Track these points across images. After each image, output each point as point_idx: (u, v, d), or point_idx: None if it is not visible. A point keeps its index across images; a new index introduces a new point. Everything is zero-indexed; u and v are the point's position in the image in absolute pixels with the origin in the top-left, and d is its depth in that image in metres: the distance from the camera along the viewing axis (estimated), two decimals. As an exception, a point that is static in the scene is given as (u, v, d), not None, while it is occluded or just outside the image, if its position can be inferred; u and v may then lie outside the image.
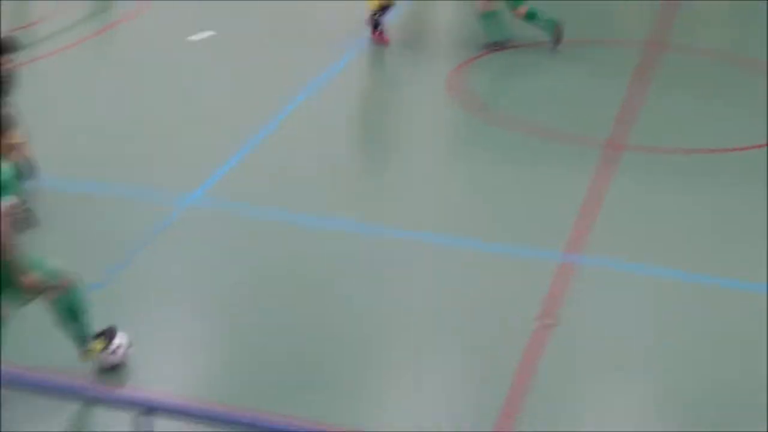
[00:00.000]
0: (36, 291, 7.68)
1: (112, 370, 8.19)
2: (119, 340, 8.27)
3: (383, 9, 15.93)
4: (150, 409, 4.53)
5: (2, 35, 9.42)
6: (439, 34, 17.39)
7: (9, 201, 7.27)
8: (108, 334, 8.19)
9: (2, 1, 16.06)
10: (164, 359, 8.59)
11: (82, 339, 8.12)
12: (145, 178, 11.61)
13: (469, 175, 12.09)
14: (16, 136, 8.97)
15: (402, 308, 9.34)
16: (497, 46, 15.74)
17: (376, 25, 16.02)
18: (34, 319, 8.12)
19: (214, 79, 14.52)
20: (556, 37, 15.75)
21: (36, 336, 8.37)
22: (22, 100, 10.50)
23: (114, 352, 8.20)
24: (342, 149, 12.79)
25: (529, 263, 10.03)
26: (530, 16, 15.60)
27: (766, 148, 12.58)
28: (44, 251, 9.74)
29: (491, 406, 7.98)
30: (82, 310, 8.02)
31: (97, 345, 8.15)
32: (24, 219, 8.49)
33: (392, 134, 13.50)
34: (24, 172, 7.59)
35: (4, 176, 7.27)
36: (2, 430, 7.41)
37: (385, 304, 9.41)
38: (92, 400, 4.80)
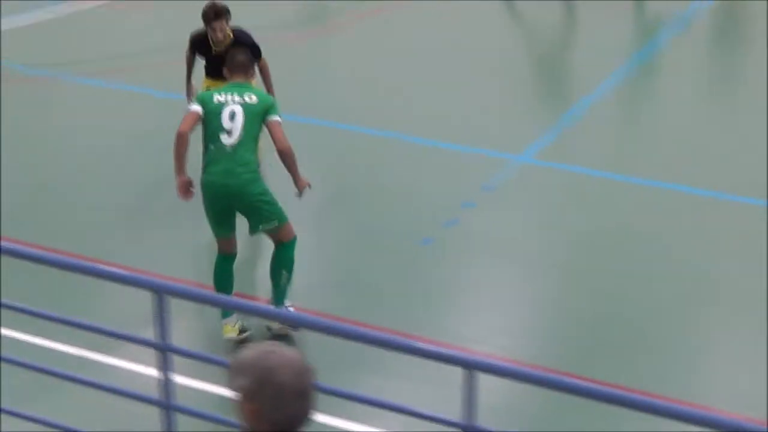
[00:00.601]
0: (278, 229, 8.08)
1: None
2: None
3: None
4: (470, 366, 4.60)
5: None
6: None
7: (278, 118, 7.99)
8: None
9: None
10: (487, 319, 8.71)
11: (280, 297, 8.27)
12: (480, 138, 11.77)
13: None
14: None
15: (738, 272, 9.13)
16: None
17: None
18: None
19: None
20: None
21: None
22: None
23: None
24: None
25: None
26: None
27: None
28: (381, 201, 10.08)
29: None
30: (291, 268, 8.22)
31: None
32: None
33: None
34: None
35: (270, 98, 8.16)
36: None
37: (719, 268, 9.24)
38: (419, 353, 4.90)
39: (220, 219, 8.07)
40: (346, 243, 9.80)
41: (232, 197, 7.93)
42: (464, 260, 9.47)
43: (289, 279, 8.23)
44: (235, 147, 7.88)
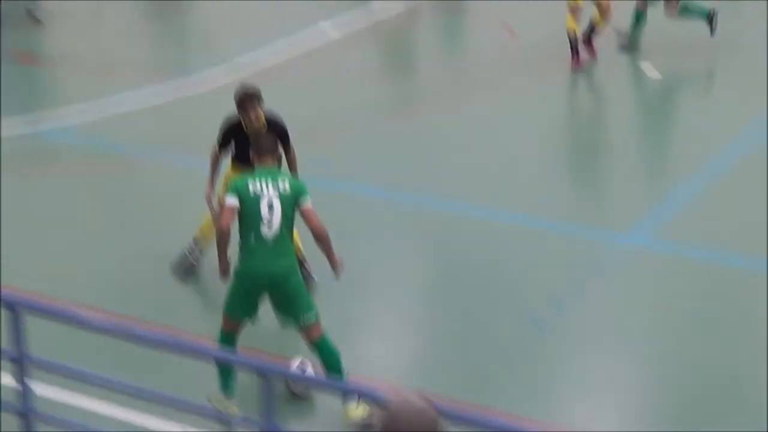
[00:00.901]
0: (315, 325, 8.17)
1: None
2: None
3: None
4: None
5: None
6: None
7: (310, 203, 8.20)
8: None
9: None
10: (597, 403, 8.55)
11: (343, 392, 8.27)
12: (587, 216, 11.68)
13: None
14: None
15: None
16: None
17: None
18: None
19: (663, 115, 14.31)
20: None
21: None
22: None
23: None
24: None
25: None
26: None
27: None
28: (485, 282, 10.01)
29: None
30: (337, 358, 8.21)
31: (359, 410, 8.25)
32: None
33: None
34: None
35: (301, 184, 8.34)
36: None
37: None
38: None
39: (249, 306, 8.23)
40: (452, 323, 9.74)
41: (273, 288, 8.11)
42: (572, 343, 9.36)
43: (342, 371, 8.18)
44: (276, 237, 8.07)
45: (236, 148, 9.92)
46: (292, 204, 8.14)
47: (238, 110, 9.66)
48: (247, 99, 9.59)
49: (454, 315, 9.86)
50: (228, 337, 8.30)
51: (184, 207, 11.55)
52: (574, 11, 15.81)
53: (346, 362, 8.21)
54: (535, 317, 9.59)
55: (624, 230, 11.19)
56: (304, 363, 8.48)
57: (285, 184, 8.18)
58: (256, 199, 8.09)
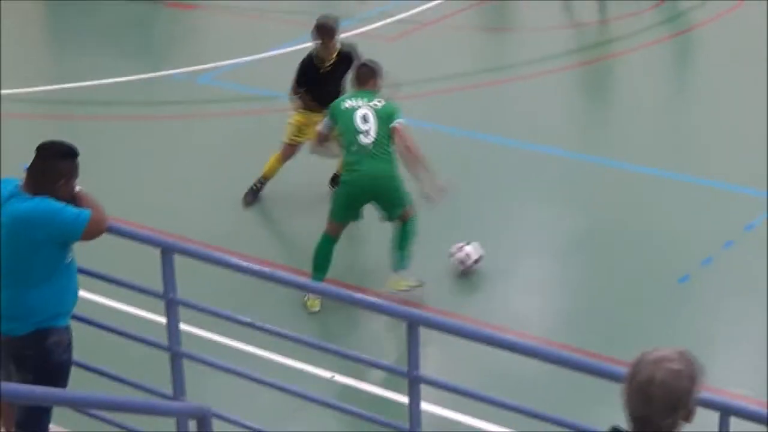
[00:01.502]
0: (405, 211, 9.03)
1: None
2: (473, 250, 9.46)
3: None
4: (727, 411, 4.45)
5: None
6: None
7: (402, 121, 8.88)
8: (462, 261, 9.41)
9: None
10: (741, 361, 8.40)
11: (399, 264, 9.13)
12: (741, 176, 11.41)
13: None
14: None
15: None
16: None
17: None
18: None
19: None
20: None
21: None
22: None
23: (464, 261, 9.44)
24: None
25: None
26: None
27: None
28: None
29: None
30: (412, 239, 9.11)
31: (401, 282, 9.11)
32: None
33: None
34: None
35: (392, 104, 8.99)
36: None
37: None
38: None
39: (354, 209, 9.04)
40: (599, 278, 9.65)
41: (378, 192, 8.88)
42: (722, 300, 9.18)
43: (409, 250, 9.10)
44: (375, 144, 8.75)
45: (313, 86, 10.36)
46: (385, 120, 8.81)
47: (320, 40, 10.16)
48: (330, 30, 10.12)
49: (604, 268, 9.77)
50: (332, 240, 9.02)
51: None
52: None
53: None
54: (686, 275, 9.44)
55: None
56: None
57: (378, 102, 8.91)
58: (351, 111, 8.83)
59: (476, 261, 9.45)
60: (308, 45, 10.57)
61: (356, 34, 14.97)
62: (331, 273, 9.04)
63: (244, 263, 6.47)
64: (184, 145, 12.39)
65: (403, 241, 9.10)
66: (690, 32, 16.06)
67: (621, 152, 11.92)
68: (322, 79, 10.28)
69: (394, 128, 8.80)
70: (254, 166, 10.86)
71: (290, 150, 10.68)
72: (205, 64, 14.43)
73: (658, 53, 15.10)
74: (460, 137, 12.03)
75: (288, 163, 10.66)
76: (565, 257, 10.00)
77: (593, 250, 10.09)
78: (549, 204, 10.76)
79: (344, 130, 8.86)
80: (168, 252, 6.27)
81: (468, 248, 9.46)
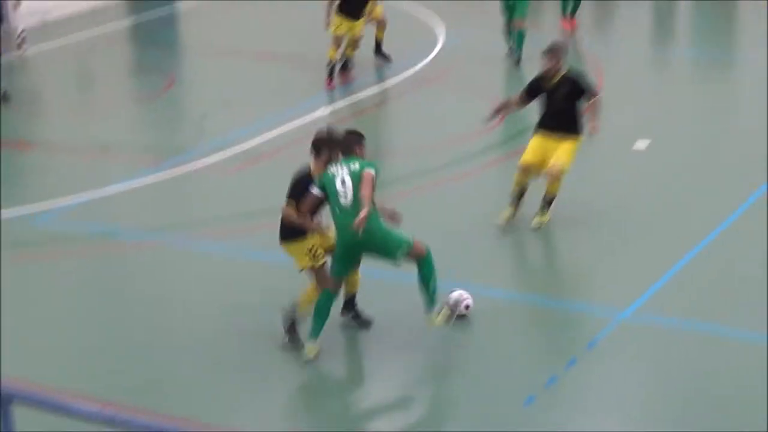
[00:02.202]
0: (411, 250, 10.07)
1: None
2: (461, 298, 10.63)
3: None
4: None
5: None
6: None
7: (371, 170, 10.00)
8: (452, 307, 10.53)
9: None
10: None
11: (430, 302, 10.26)
12: (582, 292, 11.68)
13: None
14: None
15: None
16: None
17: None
18: None
19: (650, 190, 14.31)
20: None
21: None
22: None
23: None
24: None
25: None
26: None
27: None
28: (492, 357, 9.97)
29: None
30: (433, 276, 10.17)
31: (439, 317, 10.31)
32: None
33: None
34: None
35: (370, 162, 10.18)
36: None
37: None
38: None
39: (351, 262, 10.24)
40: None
41: (366, 244, 9.98)
42: (571, 419, 9.34)
43: (435, 286, 10.20)
44: (352, 204, 9.92)
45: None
46: (358, 178, 10.00)
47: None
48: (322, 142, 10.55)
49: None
50: (333, 296, 10.20)
51: (178, 288, 11.55)
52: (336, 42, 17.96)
53: None
54: (532, 394, 9.56)
55: (619, 305, 11.18)
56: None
57: (354, 164, 10.11)
58: (333, 178, 10.06)
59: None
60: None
61: (194, 170, 15.02)
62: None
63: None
64: (25, 288, 12.16)
65: (425, 279, 10.17)
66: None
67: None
68: None
69: (361, 174, 9.97)
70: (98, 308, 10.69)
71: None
72: (45, 202, 14.26)
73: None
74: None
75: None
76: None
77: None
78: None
79: (329, 194, 10.06)
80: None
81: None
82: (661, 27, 22.69)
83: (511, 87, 16.62)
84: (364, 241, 9.94)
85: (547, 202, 12.86)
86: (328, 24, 17.84)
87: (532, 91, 12.96)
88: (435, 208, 13.66)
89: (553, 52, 12.82)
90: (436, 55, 19.83)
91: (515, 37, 19.04)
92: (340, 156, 10.26)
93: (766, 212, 12.99)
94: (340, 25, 17.83)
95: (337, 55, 18.14)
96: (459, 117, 16.72)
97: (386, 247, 10.05)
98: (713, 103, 17.79)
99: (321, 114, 17.16)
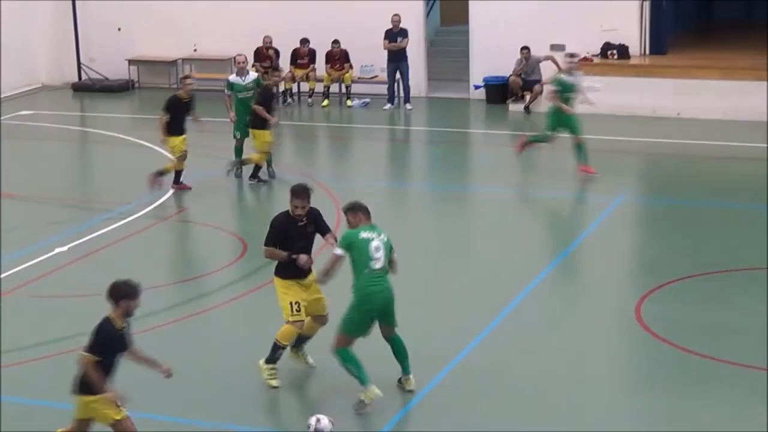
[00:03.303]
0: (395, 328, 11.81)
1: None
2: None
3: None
4: None
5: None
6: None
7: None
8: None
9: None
10: None
11: (408, 367, 11.92)
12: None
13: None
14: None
15: None
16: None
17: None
18: None
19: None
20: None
21: None
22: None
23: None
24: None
25: None
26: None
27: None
28: None
29: None
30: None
31: (412, 381, 11.90)
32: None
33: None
34: None
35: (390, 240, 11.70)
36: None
37: None
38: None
39: (369, 324, 11.58)
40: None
41: (388, 305, 11.49)
42: None
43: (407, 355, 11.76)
44: (383, 269, 11.46)
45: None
46: (389, 250, 11.57)
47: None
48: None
49: None
50: (348, 352, 11.49)
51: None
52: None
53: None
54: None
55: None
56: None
57: (384, 236, 11.58)
58: (367, 242, 11.43)
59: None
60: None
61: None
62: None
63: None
64: None
65: (402, 352, 11.75)
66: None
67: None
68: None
69: (392, 260, 11.58)
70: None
71: None
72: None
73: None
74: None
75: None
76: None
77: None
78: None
79: (358, 255, 11.43)
80: None
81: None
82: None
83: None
84: (390, 302, 11.53)
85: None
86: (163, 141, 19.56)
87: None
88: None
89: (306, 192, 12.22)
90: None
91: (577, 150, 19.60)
92: (365, 220, 11.62)
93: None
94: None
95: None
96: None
97: (394, 313, 11.65)
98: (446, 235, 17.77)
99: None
